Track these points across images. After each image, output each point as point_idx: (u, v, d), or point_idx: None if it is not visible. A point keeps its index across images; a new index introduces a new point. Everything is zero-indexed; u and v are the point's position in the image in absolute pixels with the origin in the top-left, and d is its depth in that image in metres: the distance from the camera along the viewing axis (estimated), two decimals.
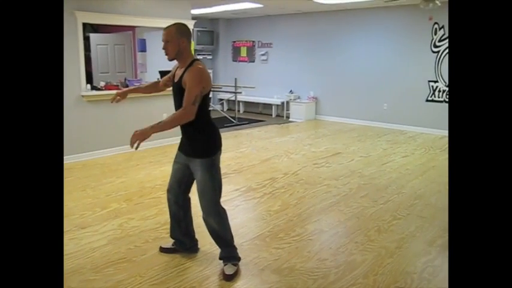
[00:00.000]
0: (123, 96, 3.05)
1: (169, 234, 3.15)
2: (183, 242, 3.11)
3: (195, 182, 2.88)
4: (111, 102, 3.07)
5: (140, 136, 2.52)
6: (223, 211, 2.89)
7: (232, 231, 2.95)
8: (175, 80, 2.75)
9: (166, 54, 2.72)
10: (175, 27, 2.69)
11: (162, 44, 2.72)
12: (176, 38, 2.67)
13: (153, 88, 3.17)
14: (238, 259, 2.95)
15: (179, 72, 2.74)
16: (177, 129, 2.89)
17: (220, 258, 2.94)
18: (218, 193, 2.83)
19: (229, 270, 2.85)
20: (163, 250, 3.17)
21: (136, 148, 2.53)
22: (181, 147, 2.89)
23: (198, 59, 2.77)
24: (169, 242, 3.19)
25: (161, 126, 2.57)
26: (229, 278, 2.80)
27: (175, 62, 2.84)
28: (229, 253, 2.93)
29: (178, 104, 2.71)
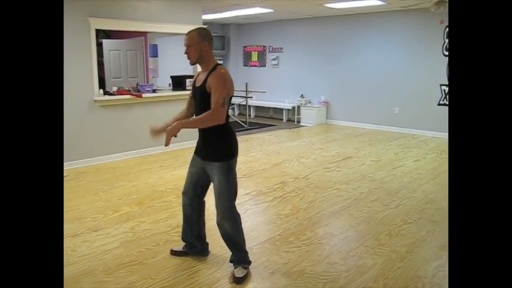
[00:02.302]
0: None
1: (180, 237, 3.17)
2: (193, 245, 3.13)
3: (210, 185, 2.91)
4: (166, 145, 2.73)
5: (171, 132, 2.61)
6: (238, 216, 2.90)
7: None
8: (198, 85, 2.76)
9: (188, 59, 2.74)
10: (196, 32, 2.71)
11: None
12: (198, 42, 2.68)
13: (187, 115, 2.98)
14: (249, 263, 2.97)
15: (202, 77, 2.75)
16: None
17: (231, 261, 2.96)
18: (234, 197, 2.84)
19: (240, 273, 2.86)
20: (174, 253, 3.20)
21: (168, 145, 2.63)
22: (198, 151, 2.89)
23: (221, 64, 2.79)
24: (180, 245, 3.22)
25: (189, 123, 2.68)
26: (240, 280, 2.82)
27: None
28: (240, 257, 2.94)
29: (200, 108, 2.72)
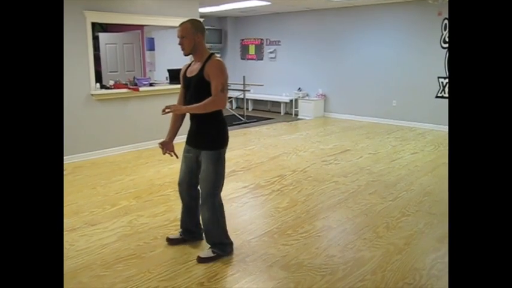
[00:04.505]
0: (171, 147, 3.12)
1: (178, 231, 3.19)
2: (192, 231, 3.20)
3: None
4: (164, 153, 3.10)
5: (175, 108, 2.75)
6: (220, 204, 2.97)
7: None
8: (192, 74, 2.84)
9: (182, 50, 2.82)
10: (190, 23, 2.80)
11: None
12: (192, 33, 2.77)
13: (181, 116, 3.12)
14: (224, 251, 3.01)
15: (196, 66, 2.84)
16: (186, 128, 2.94)
17: (207, 242, 3.05)
18: (218, 186, 2.92)
19: (205, 253, 2.96)
20: (171, 241, 3.23)
21: (166, 113, 2.74)
22: (191, 141, 2.98)
23: (214, 53, 2.88)
24: (175, 233, 3.29)
25: (193, 108, 2.76)
26: (201, 260, 2.91)
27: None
28: (213, 245, 3.00)
29: (195, 96, 2.78)
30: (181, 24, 2.80)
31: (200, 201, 2.95)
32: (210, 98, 2.71)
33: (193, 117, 2.89)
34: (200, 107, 2.73)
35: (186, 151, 3.03)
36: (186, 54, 2.85)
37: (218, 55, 11.14)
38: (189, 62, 2.98)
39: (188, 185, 3.05)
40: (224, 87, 2.73)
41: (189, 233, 3.22)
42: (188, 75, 2.89)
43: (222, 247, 3.02)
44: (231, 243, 3.08)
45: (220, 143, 2.88)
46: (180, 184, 3.09)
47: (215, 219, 2.94)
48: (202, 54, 2.82)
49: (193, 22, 2.82)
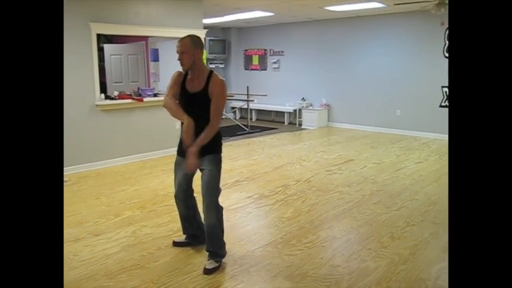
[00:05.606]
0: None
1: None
2: (197, 236, 3.26)
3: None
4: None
5: (194, 160, 2.79)
6: (221, 207, 3.04)
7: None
8: (196, 90, 2.85)
9: (182, 65, 2.84)
10: (190, 39, 2.82)
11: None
12: (192, 49, 2.80)
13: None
14: (223, 255, 3.07)
15: (199, 82, 2.85)
16: None
17: (207, 251, 3.05)
18: (219, 190, 2.99)
19: (210, 265, 2.98)
20: (176, 244, 3.35)
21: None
22: (184, 152, 2.95)
23: (213, 71, 2.92)
24: (181, 237, 3.38)
25: (200, 144, 2.79)
26: (208, 272, 2.93)
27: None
28: (216, 249, 3.02)
29: (202, 114, 2.81)
30: (181, 40, 2.81)
31: (204, 209, 2.94)
32: (209, 127, 2.79)
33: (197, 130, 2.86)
34: (203, 139, 2.80)
35: (179, 163, 3.04)
36: (185, 70, 2.89)
37: (221, 65, 11.28)
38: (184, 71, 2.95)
39: (185, 196, 3.12)
40: (222, 112, 2.86)
41: (193, 238, 3.30)
42: (189, 90, 2.89)
43: (221, 251, 3.07)
44: (225, 243, 3.13)
45: (219, 148, 2.98)
46: (176, 196, 3.15)
47: (218, 222, 3.00)
48: (201, 70, 2.86)
49: (193, 38, 2.83)
